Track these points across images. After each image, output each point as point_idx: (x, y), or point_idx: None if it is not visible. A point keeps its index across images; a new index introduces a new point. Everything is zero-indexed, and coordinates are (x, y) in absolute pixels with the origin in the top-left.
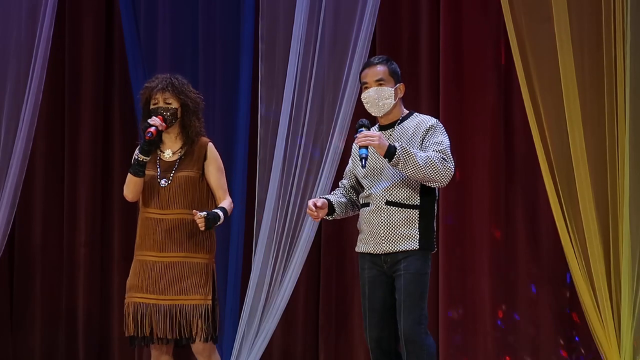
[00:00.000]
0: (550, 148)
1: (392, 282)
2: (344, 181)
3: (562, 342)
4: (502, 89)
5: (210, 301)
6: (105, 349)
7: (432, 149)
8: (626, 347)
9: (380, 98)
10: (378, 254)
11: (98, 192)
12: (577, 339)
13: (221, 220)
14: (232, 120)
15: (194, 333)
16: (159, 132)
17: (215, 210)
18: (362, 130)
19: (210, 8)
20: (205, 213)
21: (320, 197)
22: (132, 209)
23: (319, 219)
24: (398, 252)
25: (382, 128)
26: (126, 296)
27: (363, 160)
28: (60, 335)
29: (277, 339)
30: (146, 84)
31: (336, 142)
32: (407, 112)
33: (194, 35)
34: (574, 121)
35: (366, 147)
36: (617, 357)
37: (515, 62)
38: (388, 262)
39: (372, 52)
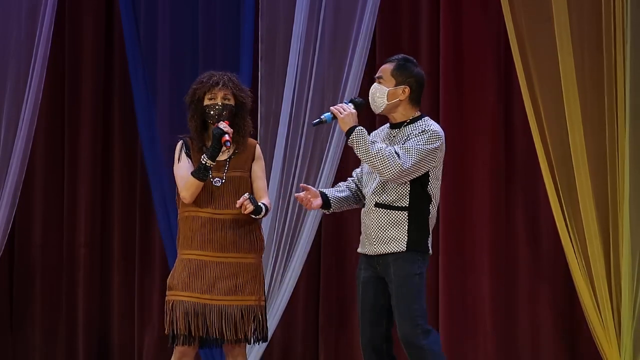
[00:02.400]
0: (550, 148)
1: (385, 284)
2: (357, 169)
3: (562, 342)
4: (502, 89)
5: (264, 302)
6: (105, 349)
7: (400, 146)
8: (626, 347)
9: (373, 96)
10: (372, 255)
11: (98, 192)
12: (577, 339)
13: (263, 212)
14: None
15: (248, 334)
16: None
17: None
18: (347, 102)
19: (210, 8)
20: (247, 195)
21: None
22: (132, 209)
23: (311, 205)
24: (387, 254)
25: (392, 127)
26: (168, 294)
27: (317, 119)
28: (60, 335)
29: (277, 339)
30: (201, 80)
31: (336, 142)
32: (418, 115)
33: (194, 35)
34: (574, 121)
35: (333, 116)
36: (617, 357)
37: (515, 62)
38: (380, 264)
39: (372, 52)
